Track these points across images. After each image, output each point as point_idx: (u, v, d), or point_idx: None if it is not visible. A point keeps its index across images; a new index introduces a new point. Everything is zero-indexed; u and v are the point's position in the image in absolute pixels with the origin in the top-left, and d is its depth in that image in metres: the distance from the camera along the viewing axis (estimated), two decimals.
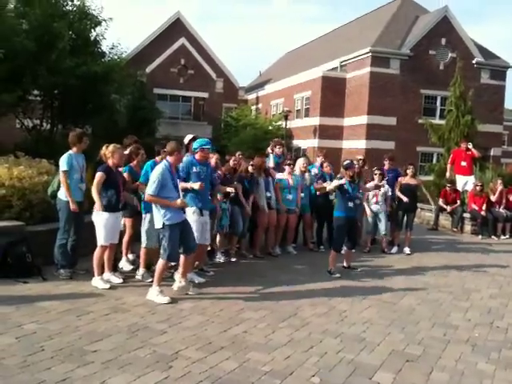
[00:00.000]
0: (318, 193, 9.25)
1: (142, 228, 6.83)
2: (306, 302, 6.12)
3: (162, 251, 6.00)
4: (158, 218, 5.93)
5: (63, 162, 6.47)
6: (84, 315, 5.18)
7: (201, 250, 6.79)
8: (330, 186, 8.01)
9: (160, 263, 6.03)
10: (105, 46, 17.59)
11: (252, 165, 8.63)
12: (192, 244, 6.17)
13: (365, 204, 9.62)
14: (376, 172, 9.90)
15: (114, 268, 6.80)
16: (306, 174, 9.57)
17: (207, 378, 3.91)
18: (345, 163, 8.00)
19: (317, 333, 5.09)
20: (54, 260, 6.66)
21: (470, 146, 13.86)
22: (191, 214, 6.46)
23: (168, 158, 6.07)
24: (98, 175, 6.27)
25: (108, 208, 6.28)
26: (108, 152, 6.43)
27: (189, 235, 6.12)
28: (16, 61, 13.37)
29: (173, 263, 6.46)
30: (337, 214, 7.81)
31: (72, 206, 6.41)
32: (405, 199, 9.86)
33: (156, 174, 5.88)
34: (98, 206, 6.20)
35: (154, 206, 6.00)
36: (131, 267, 7.21)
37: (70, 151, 6.63)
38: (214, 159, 7.68)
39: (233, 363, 4.21)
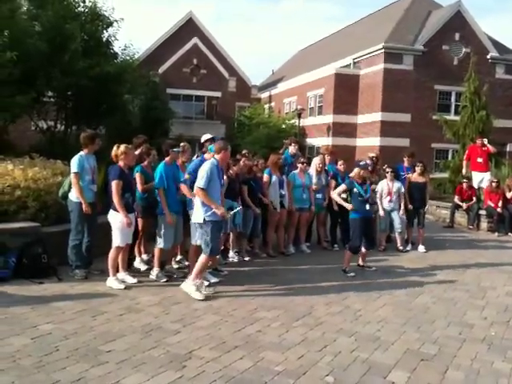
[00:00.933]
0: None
1: (158, 229, 6.83)
2: (320, 301, 6.10)
3: (203, 246, 6.04)
4: (199, 212, 5.98)
5: (74, 164, 6.45)
6: (99, 315, 5.22)
7: None
8: (341, 201, 7.98)
9: (202, 258, 6.06)
10: (117, 47, 17.64)
11: (256, 165, 8.63)
12: (219, 246, 6.40)
13: (378, 202, 9.52)
14: (388, 170, 9.85)
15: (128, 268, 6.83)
16: (322, 174, 9.48)
17: (221, 377, 3.92)
18: (361, 163, 7.88)
19: (331, 332, 5.07)
20: (68, 261, 6.70)
21: (486, 141, 13.71)
22: None
23: (216, 155, 6.16)
24: (115, 184, 6.19)
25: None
26: (120, 153, 6.41)
27: (219, 237, 6.31)
28: (29, 63, 13.44)
29: (186, 263, 6.49)
30: (352, 215, 7.69)
31: (85, 208, 6.41)
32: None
33: (205, 168, 5.96)
34: (122, 215, 6.16)
35: (197, 200, 6.07)
36: (146, 267, 7.24)
37: (82, 152, 6.62)
38: None
39: (246, 362, 4.21)
